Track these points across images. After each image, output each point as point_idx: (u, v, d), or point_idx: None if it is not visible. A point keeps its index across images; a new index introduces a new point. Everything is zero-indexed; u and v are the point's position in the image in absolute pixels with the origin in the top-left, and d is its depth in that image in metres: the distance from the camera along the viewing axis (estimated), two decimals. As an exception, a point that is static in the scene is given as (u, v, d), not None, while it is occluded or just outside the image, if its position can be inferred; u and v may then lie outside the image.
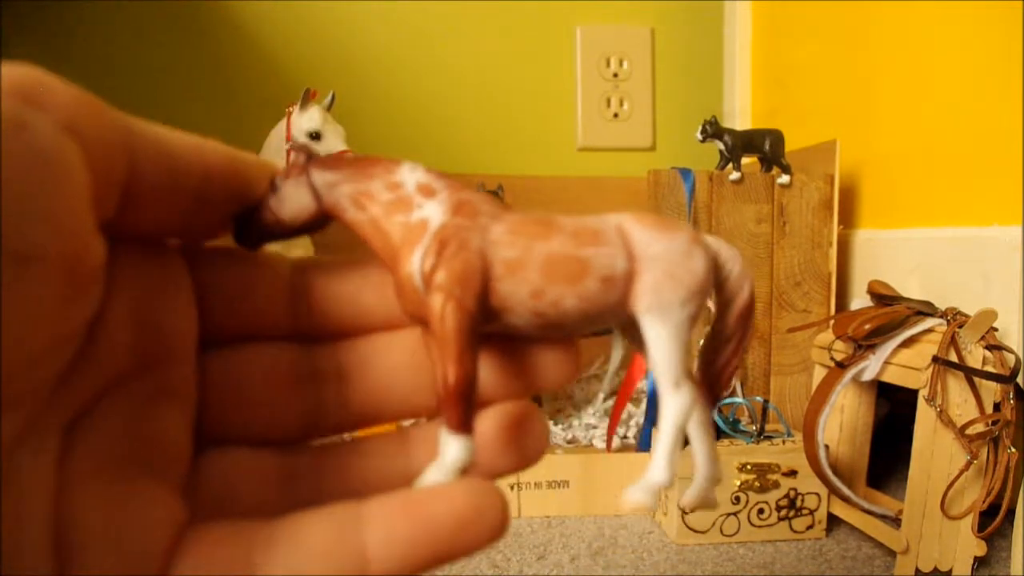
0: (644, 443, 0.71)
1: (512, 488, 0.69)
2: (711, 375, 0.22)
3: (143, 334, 0.18)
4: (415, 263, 0.18)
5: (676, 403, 0.19)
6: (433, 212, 0.19)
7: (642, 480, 0.19)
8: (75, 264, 0.15)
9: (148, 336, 0.18)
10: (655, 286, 0.19)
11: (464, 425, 0.18)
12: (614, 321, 0.20)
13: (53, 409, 0.16)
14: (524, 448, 0.20)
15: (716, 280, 0.21)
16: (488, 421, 0.20)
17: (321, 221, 0.20)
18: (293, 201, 0.20)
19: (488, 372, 0.20)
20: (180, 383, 0.18)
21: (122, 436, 0.17)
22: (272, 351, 0.20)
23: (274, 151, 0.76)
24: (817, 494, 0.63)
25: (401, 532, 0.16)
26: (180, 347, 0.18)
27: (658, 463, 0.19)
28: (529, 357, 0.20)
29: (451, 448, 0.18)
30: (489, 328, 0.19)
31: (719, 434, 0.66)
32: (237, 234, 0.20)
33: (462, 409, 0.18)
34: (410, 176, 0.19)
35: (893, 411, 0.75)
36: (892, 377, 0.59)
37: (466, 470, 0.18)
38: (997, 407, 0.53)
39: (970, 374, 0.53)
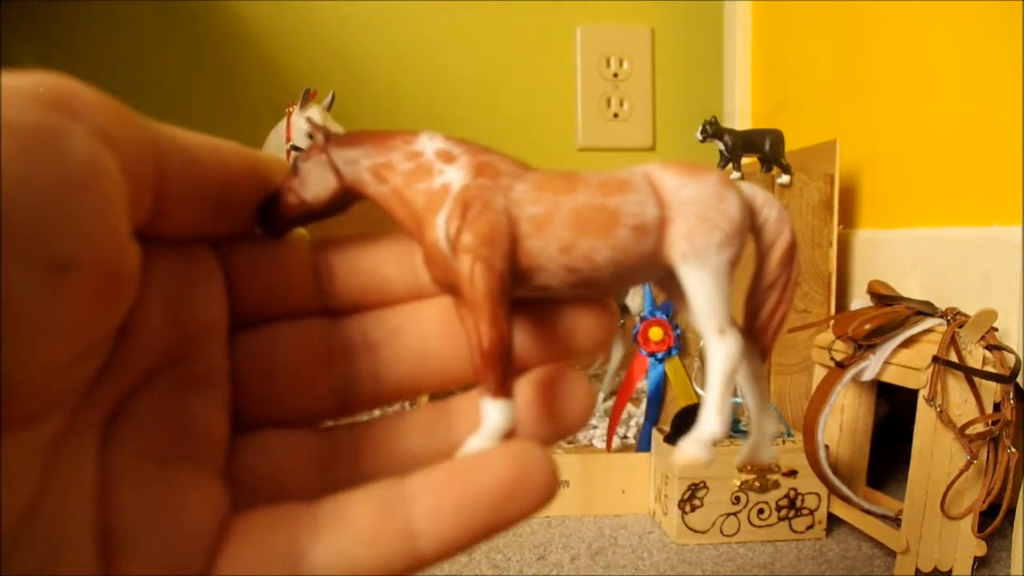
0: (644, 443, 0.71)
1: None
2: (758, 326, 0.21)
3: (176, 325, 0.18)
4: (440, 228, 0.18)
5: (723, 350, 0.19)
6: (454, 176, 0.19)
7: (694, 433, 0.19)
8: (112, 270, 0.15)
9: (181, 327, 0.18)
10: (689, 231, 0.18)
11: (503, 389, 0.17)
12: (650, 274, 0.20)
13: (91, 406, 0.16)
14: (564, 414, 0.19)
15: (754, 226, 0.20)
16: (525, 387, 0.19)
17: (345, 200, 0.20)
18: (315, 181, 0.20)
19: (523, 338, 0.19)
20: (213, 369, 0.18)
21: (159, 426, 0.17)
22: (301, 328, 0.20)
23: (274, 151, 0.76)
24: (817, 494, 0.63)
25: (447, 505, 0.16)
26: (212, 335, 0.19)
27: (709, 414, 0.18)
28: (565, 320, 0.19)
29: (491, 414, 0.17)
30: (523, 292, 0.19)
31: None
32: (263, 222, 0.20)
33: (499, 372, 0.17)
34: (429, 144, 0.19)
35: (893, 411, 0.75)
36: (892, 377, 0.59)
37: (508, 435, 0.17)
38: (997, 407, 0.53)
39: (970, 374, 0.53)
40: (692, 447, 0.18)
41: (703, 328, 0.19)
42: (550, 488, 0.16)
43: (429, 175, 0.19)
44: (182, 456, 0.17)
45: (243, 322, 0.20)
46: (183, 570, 0.16)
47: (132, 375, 0.17)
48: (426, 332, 0.20)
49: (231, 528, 0.17)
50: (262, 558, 0.16)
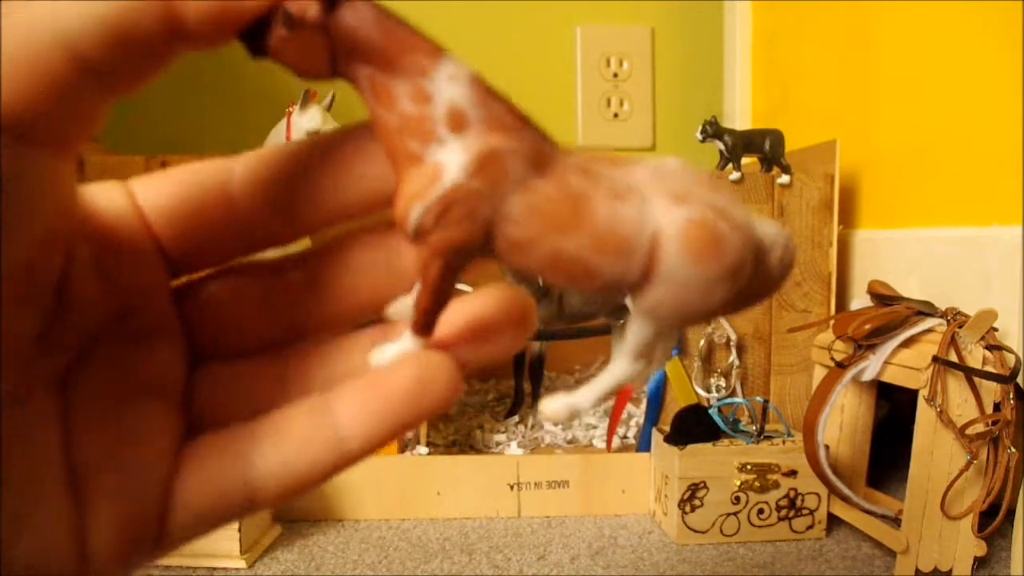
0: (644, 443, 0.71)
1: (512, 488, 0.69)
2: None
3: (112, 285, 0.18)
4: (414, 214, 0.16)
5: (630, 371, 0.20)
6: (451, 160, 0.16)
7: (568, 398, 0.20)
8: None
9: (118, 285, 0.18)
10: (658, 302, 0.18)
11: (424, 332, 0.18)
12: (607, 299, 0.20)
13: (39, 371, 0.17)
14: (497, 342, 0.20)
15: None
16: (459, 314, 0.20)
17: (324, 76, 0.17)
18: (301, 55, 0.17)
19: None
20: (161, 319, 0.19)
21: (115, 378, 0.18)
22: (242, 273, 0.20)
23: (274, 151, 0.76)
24: (817, 494, 0.64)
25: (365, 410, 0.18)
26: (153, 287, 0.19)
27: (589, 396, 0.20)
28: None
29: (407, 341, 0.18)
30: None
31: (719, 434, 0.66)
32: (247, 37, 0.17)
33: (429, 321, 0.18)
34: (446, 89, 0.16)
35: (893, 411, 0.75)
36: (892, 377, 0.59)
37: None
38: (997, 407, 0.53)
39: (970, 374, 0.53)
40: (559, 405, 0.19)
41: (625, 348, 0.20)
42: (453, 389, 0.18)
43: (427, 138, 0.16)
44: (138, 399, 0.18)
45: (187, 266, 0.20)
46: (143, 495, 0.17)
47: (76, 336, 0.18)
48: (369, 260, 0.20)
49: (185, 451, 0.18)
50: (213, 476, 0.18)
